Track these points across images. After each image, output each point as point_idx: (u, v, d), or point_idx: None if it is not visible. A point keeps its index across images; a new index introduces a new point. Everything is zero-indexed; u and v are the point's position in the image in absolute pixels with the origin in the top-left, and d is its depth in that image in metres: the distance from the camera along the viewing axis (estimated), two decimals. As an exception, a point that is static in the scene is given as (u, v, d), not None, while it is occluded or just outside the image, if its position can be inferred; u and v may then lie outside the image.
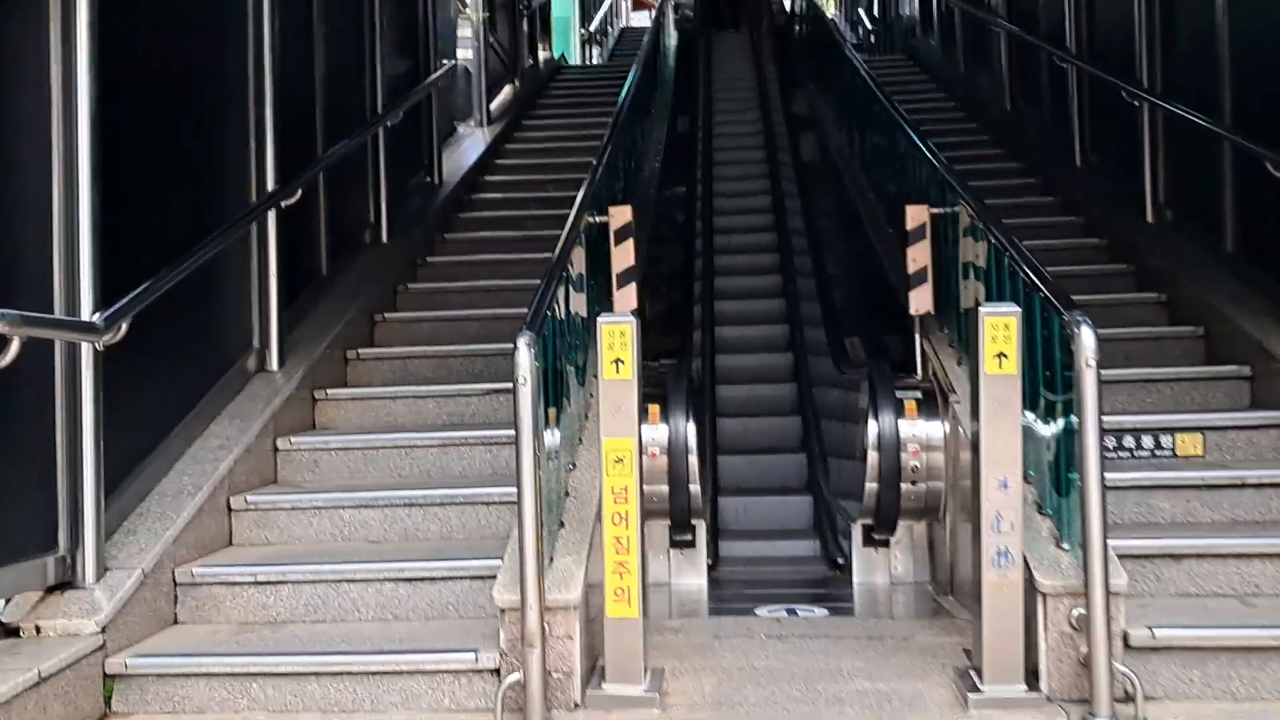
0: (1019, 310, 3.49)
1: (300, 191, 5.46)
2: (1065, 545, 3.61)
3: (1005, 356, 3.39)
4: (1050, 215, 7.79)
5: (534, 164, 9.61)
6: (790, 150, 10.55)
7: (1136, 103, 6.90)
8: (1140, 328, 5.86)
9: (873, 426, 4.84)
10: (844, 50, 9.69)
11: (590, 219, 5.17)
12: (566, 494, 4.02)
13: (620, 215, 5.20)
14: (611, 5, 22.80)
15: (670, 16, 14.08)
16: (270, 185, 5.35)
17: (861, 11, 19.60)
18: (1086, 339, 3.31)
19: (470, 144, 9.93)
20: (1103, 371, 3.31)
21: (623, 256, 5.18)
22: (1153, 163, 6.92)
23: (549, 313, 3.83)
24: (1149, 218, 6.92)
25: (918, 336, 5.24)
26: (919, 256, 5.16)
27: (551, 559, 3.58)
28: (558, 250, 4.31)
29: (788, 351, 6.90)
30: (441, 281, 7.16)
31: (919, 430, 4.80)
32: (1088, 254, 7.03)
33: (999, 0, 10.41)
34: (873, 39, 18.26)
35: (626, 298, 5.16)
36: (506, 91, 11.94)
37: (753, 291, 7.93)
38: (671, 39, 13.43)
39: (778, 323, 7.37)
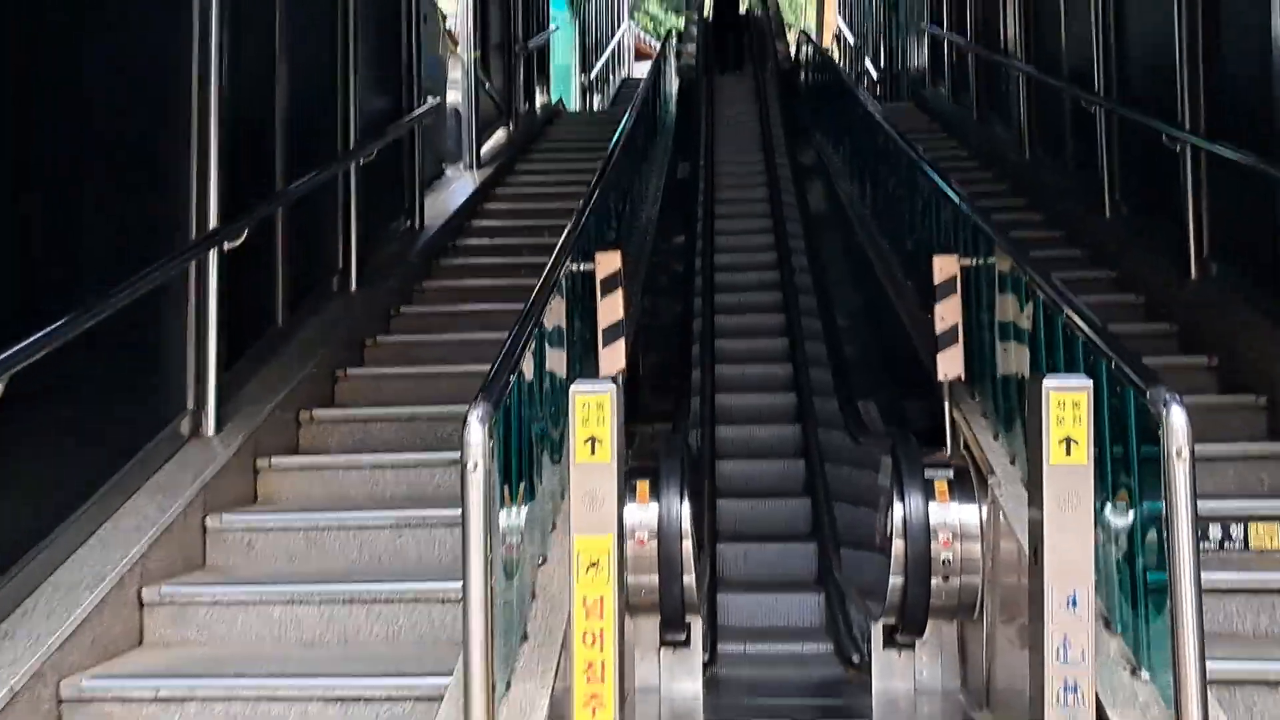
0: (1090, 384, 2.82)
1: (246, 232, 4.82)
2: (1143, 672, 2.93)
3: (1074, 443, 2.73)
4: (1078, 269, 7.13)
5: (525, 209, 9.02)
6: (796, 198, 9.96)
7: (1177, 146, 6.30)
8: (1191, 396, 5.19)
9: (898, 510, 4.15)
10: (855, 93, 9.13)
11: (574, 266, 4.54)
12: (534, 595, 3.33)
13: (607, 262, 4.57)
14: (613, 53, 22.45)
15: (672, 61, 13.58)
16: (212, 223, 4.72)
17: (868, 61, 19.19)
18: (1177, 422, 2.65)
19: (458, 187, 9.35)
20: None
21: (610, 309, 4.54)
22: (1195, 212, 6.29)
23: (516, 376, 3.17)
24: (1191, 273, 6.29)
25: (946, 404, 4.58)
26: (948, 314, 4.51)
27: (509, 683, 2.89)
28: (529, 301, 3.67)
29: (796, 423, 6.23)
30: (416, 334, 6.52)
31: (952, 516, 4.12)
32: (1123, 312, 6.37)
33: (1017, 43, 9.86)
34: (878, 88, 17.81)
35: (614, 356, 4.51)
36: (499, 135, 11.40)
37: (757, 355, 7.24)
38: (673, 84, 12.90)
39: (785, 390, 6.66)
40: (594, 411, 2.79)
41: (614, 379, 4.52)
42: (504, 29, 11.71)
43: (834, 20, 25.05)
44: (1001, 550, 3.98)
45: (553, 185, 9.63)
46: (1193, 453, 2.66)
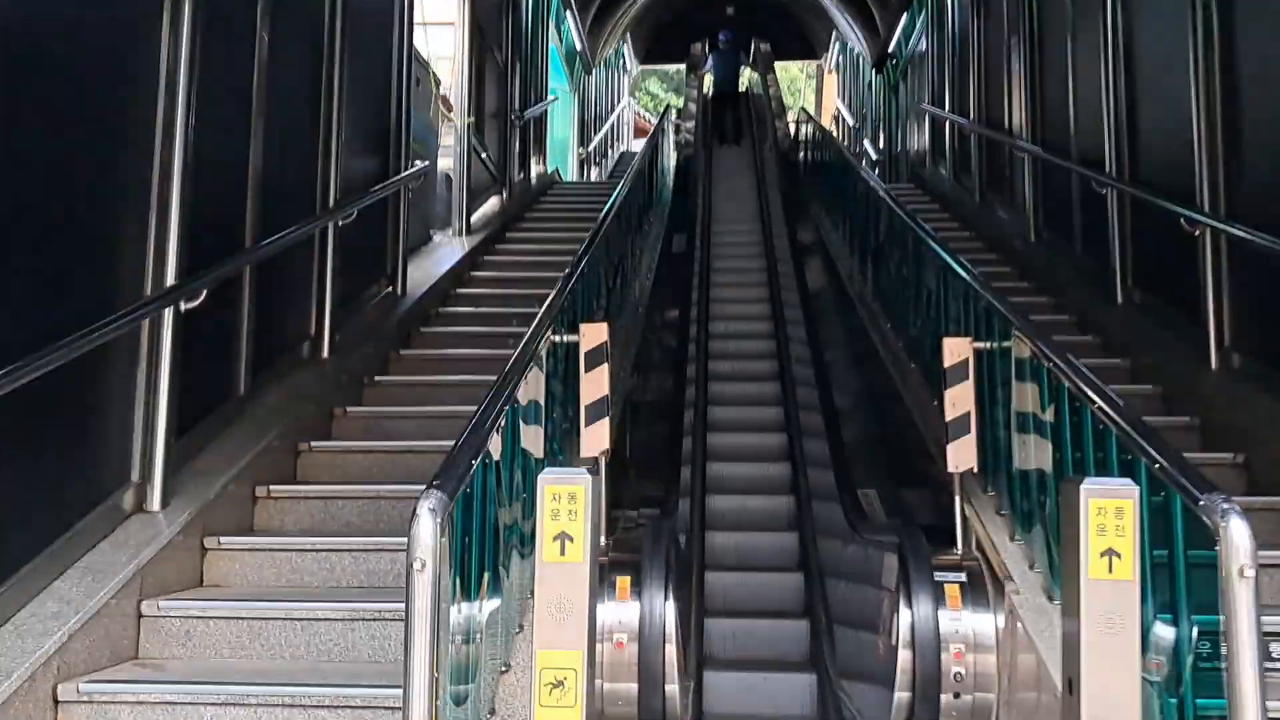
0: (1136, 490, 2.46)
1: (205, 292, 4.48)
2: (1194, 825, 2.52)
3: (1118, 557, 2.36)
4: (1090, 357, 6.78)
5: (514, 277, 8.71)
6: (795, 276, 9.66)
7: (1195, 230, 6.02)
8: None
9: (904, 617, 3.76)
10: (856, 169, 8.89)
11: (557, 338, 4.20)
12: (493, 712, 2.92)
13: (593, 334, 4.22)
14: (612, 128, 22.43)
15: (670, 134, 13.41)
16: (170, 280, 4.38)
17: (866, 143, 19.14)
18: (1238, 536, 2.29)
19: (445, 254, 9.05)
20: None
21: (594, 385, 4.18)
22: (1216, 300, 5.98)
23: (481, 459, 2.80)
24: (1212, 363, 5.96)
25: (957, 499, 4.20)
26: (960, 401, 4.16)
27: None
28: (501, 374, 3.31)
29: (792, 531, 5.82)
30: (390, 405, 6.15)
31: (965, 625, 3.73)
32: (1138, 405, 6.02)
33: (1022, 124, 9.66)
34: (877, 169, 17.71)
35: (597, 436, 4.14)
36: (493, 203, 11.17)
37: (752, 453, 6.82)
38: (670, 157, 12.72)
39: (782, 493, 6.23)
40: (565, 504, 2.42)
41: (595, 462, 4.16)
42: (500, 97, 11.54)
43: (833, 102, 25.14)
44: (1019, 665, 3.58)
45: (544, 254, 9.33)
46: (1256, 570, 2.29)
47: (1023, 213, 9.47)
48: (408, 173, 7.57)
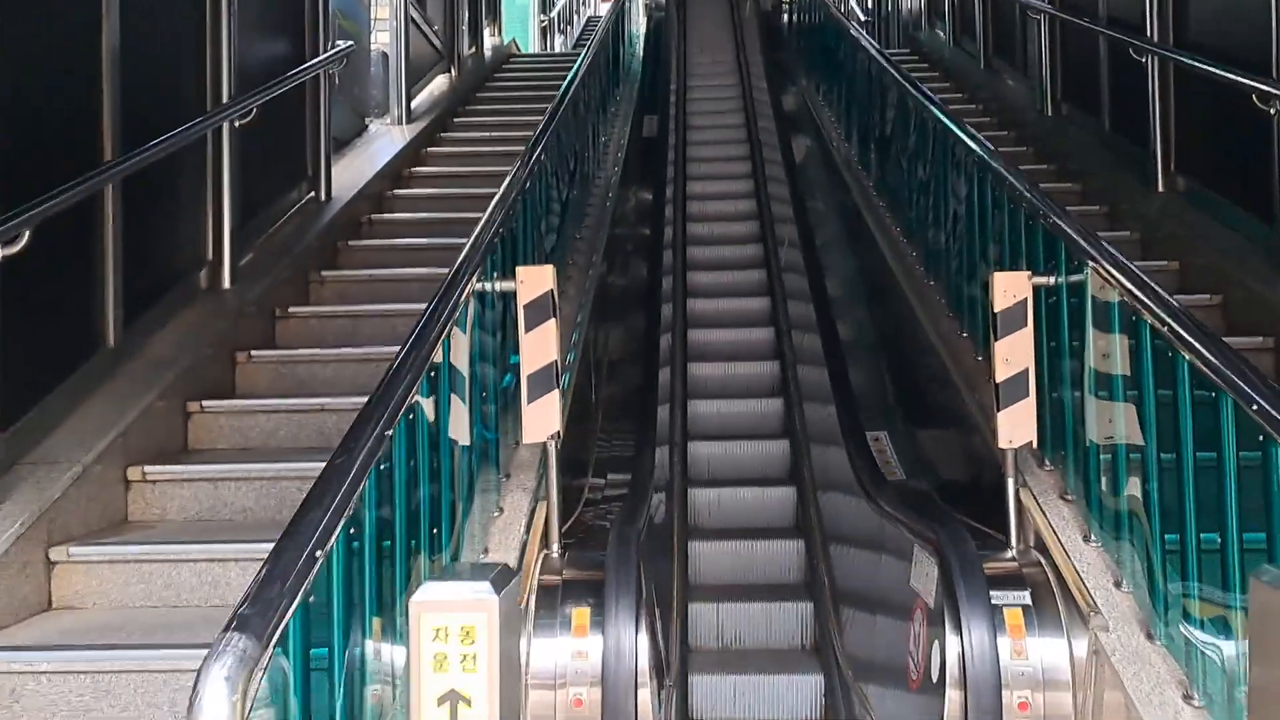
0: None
1: (28, 234, 3.42)
2: None
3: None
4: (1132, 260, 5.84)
5: (463, 173, 7.59)
6: (784, 165, 8.53)
7: (1272, 107, 4.98)
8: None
9: (951, 647, 2.87)
10: (854, 38, 7.68)
11: (486, 286, 3.19)
12: None
13: (534, 281, 3.22)
14: (578, -9, 20.76)
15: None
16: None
17: (854, 2, 17.68)
18: None
19: (381, 147, 7.90)
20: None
21: (538, 348, 3.19)
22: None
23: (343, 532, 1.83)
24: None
25: (1010, 483, 3.27)
26: (1016, 355, 3.20)
27: None
28: (391, 368, 2.32)
29: (790, 485, 4.93)
30: (307, 345, 5.14)
31: (1031, 658, 2.85)
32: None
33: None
34: (866, 31, 16.34)
35: (543, 416, 3.17)
36: (439, 82, 9.92)
37: (742, 388, 5.88)
38: (639, 23, 11.40)
39: (776, 437, 5.32)
40: (458, 644, 1.45)
41: (547, 442, 3.20)
42: (445, -40, 10.16)
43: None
44: (1106, 703, 2.73)
45: (500, 142, 8.16)
46: None
47: (1038, 85, 8.34)
48: (327, 54, 6.38)
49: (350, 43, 6.61)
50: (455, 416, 2.95)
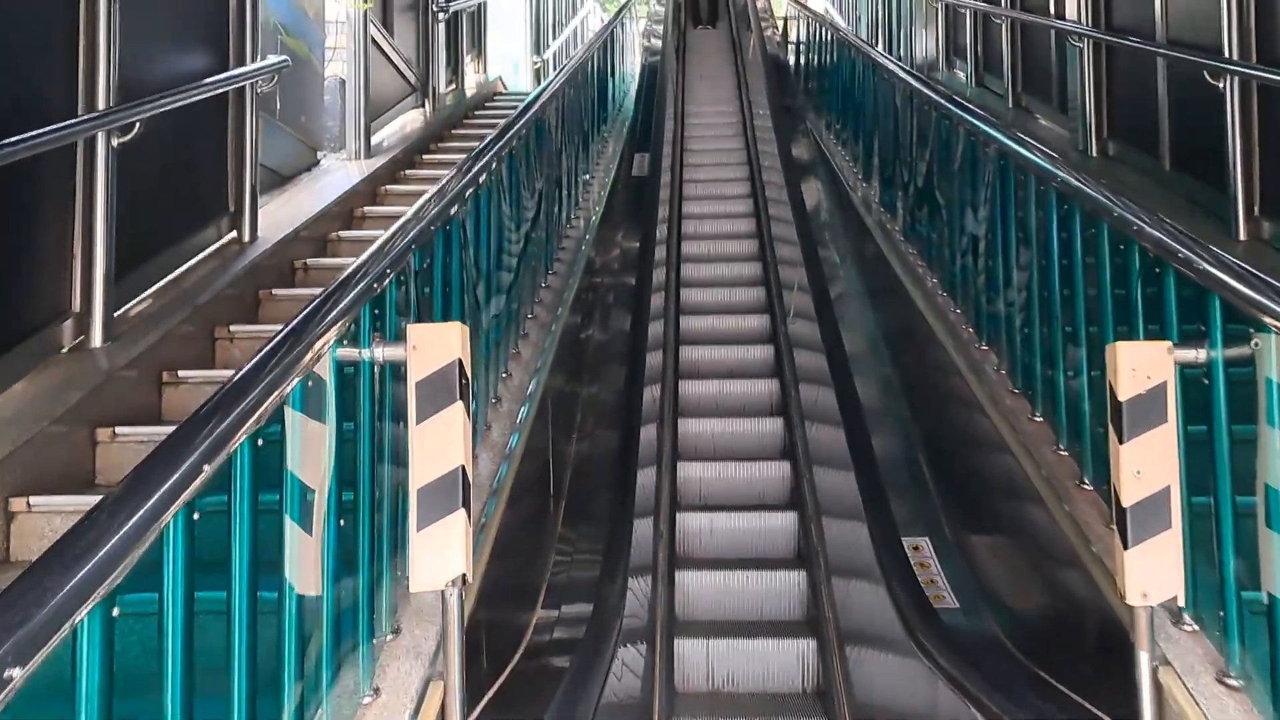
0: None
1: None
2: None
3: None
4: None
5: (425, 215, 6.56)
6: (790, 206, 7.50)
7: None
8: None
9: None
10: (891, 70, 6.65)
11: (355, 352, 2.13)
12: None
13: (432, 346, 2.16)
14: (576, 35, 19.97)
15: (632, 31, 11.14)
16: None
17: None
18: None
19: (332, 183, 6.89)
20: None
21: (434, 447, 2.12)
22: None
23: None
24: None
25: (1144, 657, 2.18)
26: (1152, 465, 2.14)
27: None
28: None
29: (810, 638, 3.80)
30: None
31: None
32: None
33: (1080, 5, 7.49)
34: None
35: (439, 553, 2.09)
36: (411, 117, 8.97)
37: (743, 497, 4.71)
38: (633, 61, 10.47)
39: (789, 567, 4.12)
40: None
41: (445, 590, 2.12)
42: (418, -17, 9.27)
43: (820, 6, 22.70)
44: None
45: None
46: None
47: (1080, 120, 7.35)
48: (251, 68, 5.38)
49: (283, 58, 5.61)
50: (296, 551, 1.88)
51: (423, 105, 9.20)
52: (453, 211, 3.01)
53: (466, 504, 2.12)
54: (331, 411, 2.04)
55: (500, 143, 3.79)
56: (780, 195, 7.13)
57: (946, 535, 3.97)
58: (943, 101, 4.69)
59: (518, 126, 4.10)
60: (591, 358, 5.12)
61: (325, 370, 2.04)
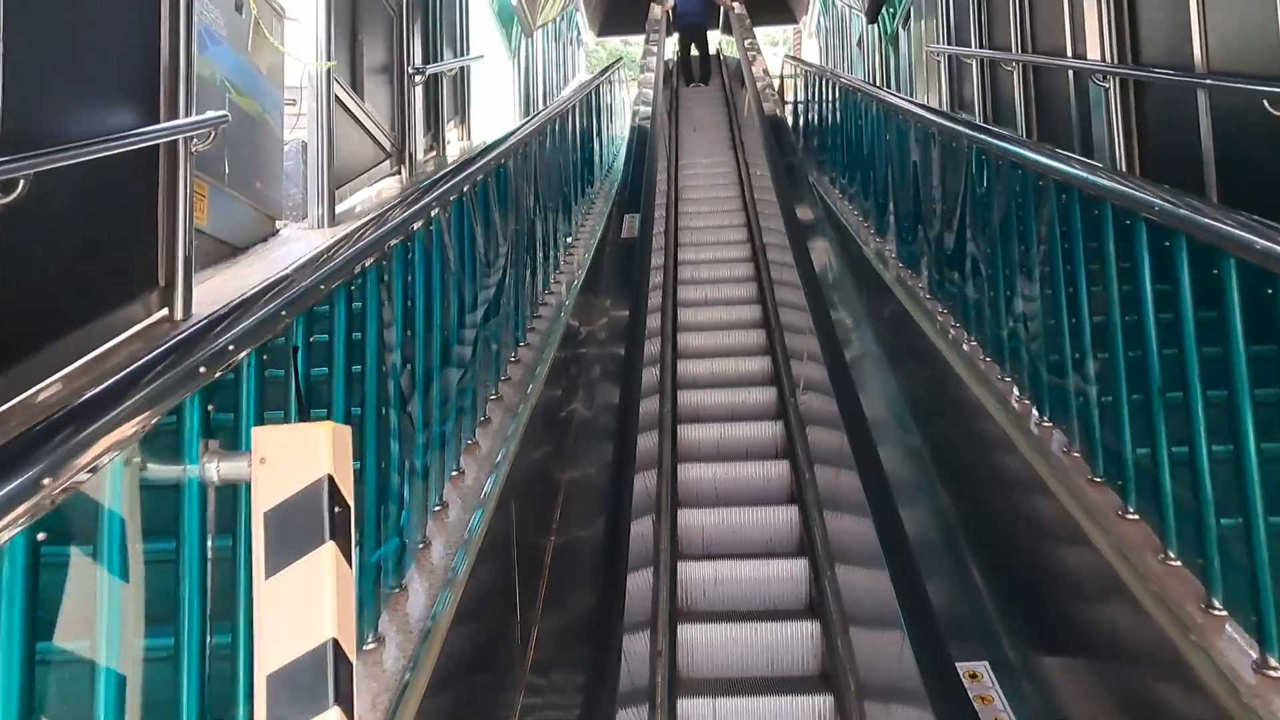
0: None
1: None
2: None
3: None
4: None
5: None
6: (798, 270, 6.81)
7: None
8: None
9: None
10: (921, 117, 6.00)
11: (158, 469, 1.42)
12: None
13: (287, 456, 1.43)
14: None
15: (619, 90, 10.61)
16: None
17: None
18: None
19: (287, 254, 6.23)
20: None
21: (290, 612, 1.38)
22: None
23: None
24: None
25: None
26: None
27: None
28: None
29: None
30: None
31: None
32: None
33: (1105, 43, 6.90)
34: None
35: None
36: (387, 185, 8.36)
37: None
38: (622, 121, 9.91)
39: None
40: None
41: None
42: (391, 45, 8.71)
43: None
44: None
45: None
46: None
47: (1106, 164, 6.71)
48: (179, 122, 4.75)
49: (221, 114, 4.98)
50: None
51: (399, 171, 8.61)
52: (364, 265, 2.32)
53: (344, 700, 1.38)
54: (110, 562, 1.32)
55: (447, 185, 3.12)
56: (783, 257, 6.45)
57: (1010, 656, 3.20)
58: (980, 135, 4.03)
59: (471, 170, 3.43)
60: (570, 448, 4.39)
61: (108, 495, 1.33)
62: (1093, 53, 7.16)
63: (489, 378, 3.39)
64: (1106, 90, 6.79)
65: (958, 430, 3.99)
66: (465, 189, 3.28)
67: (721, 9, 15.33)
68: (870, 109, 6.65)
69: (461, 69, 10.50)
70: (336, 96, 7.10)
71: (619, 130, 10.15)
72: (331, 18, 7.02)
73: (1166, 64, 6.14)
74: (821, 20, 21.24)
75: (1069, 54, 7.54)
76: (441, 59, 9.76)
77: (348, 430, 1.49)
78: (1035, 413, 3.30)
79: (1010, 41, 8.90)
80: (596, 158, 7.85)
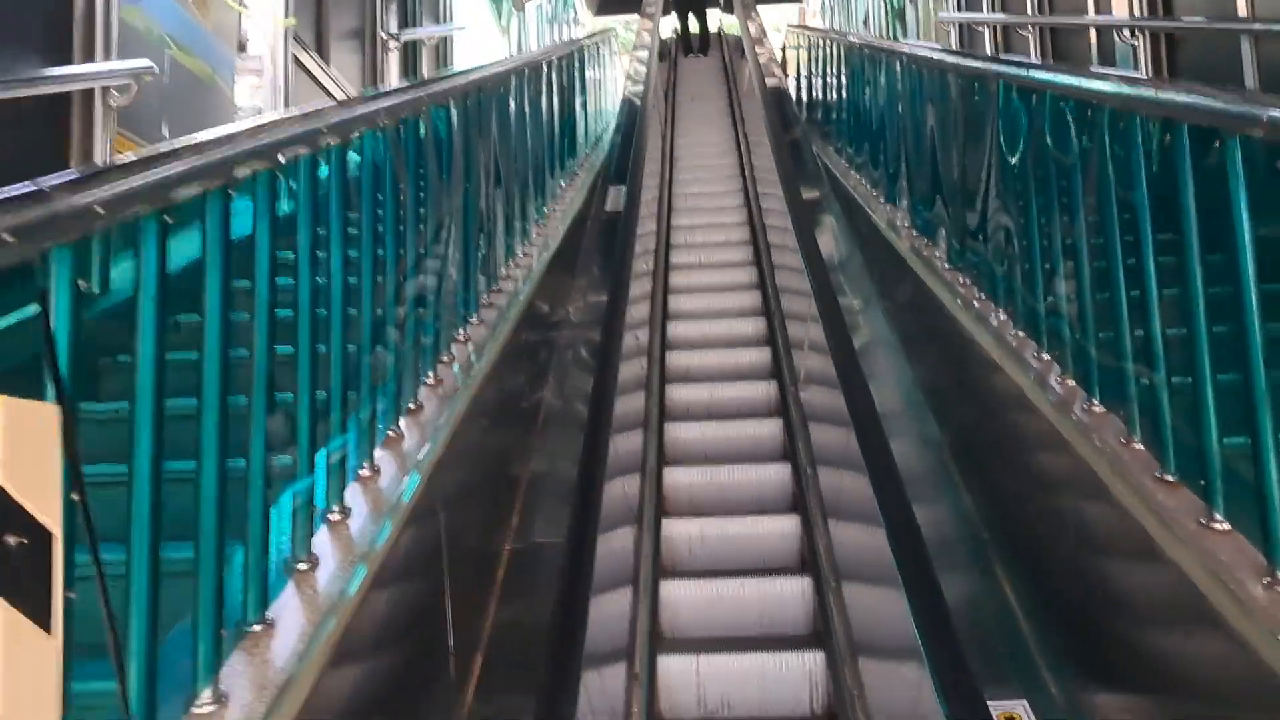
0: None
1: None
2: None
3: None
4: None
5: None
6: (801, 254, 6.21)
7: None
8: None
9: None
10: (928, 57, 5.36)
11: None
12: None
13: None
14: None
15: (610, 57, 10.01)
16: None
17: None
18: None
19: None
20: None
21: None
22: None
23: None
24: None
25: None
26: None
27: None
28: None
29: None
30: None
31: None
32: None
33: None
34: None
35: None
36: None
37: None
38: (613, 90, 9.32)
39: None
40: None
41: None
42: (364, 7, 8.14)
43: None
44: None
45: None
46: None
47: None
48: (88, 68, 4.17)
49: (144, 63, 4.40)
50: None
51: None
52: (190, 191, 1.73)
53: None
54: None
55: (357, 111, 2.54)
56: (784, 238, 5.85)
57: (1054, 691, 2.62)
58: (1013, 70, 3.41)
59: (394, 104, 2.85)
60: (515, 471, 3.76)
61: None
62: (1119, 9, 6.57)
63: (413, 371, 2.81)
64: (1135, 48, 6.19)
65: (986, 418, 3.40)
66: (383, 122, 2.70)
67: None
68: (881, 65, 6.05)
69: (444, 39, 9.90)
70: (296, 58, 6.52)
71: (609, 105, 9.55)
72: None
73: (1206, 13, 5.55)
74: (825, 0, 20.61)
75: (1092, 12, 6.95)
76: (421, 26, 9.17)
77: (44, 410, 0.93)
78: (1085, 396, 2.71)
79: (1025, 5, 8.32)
80: (581, 126, 7.26)
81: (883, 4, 14.59)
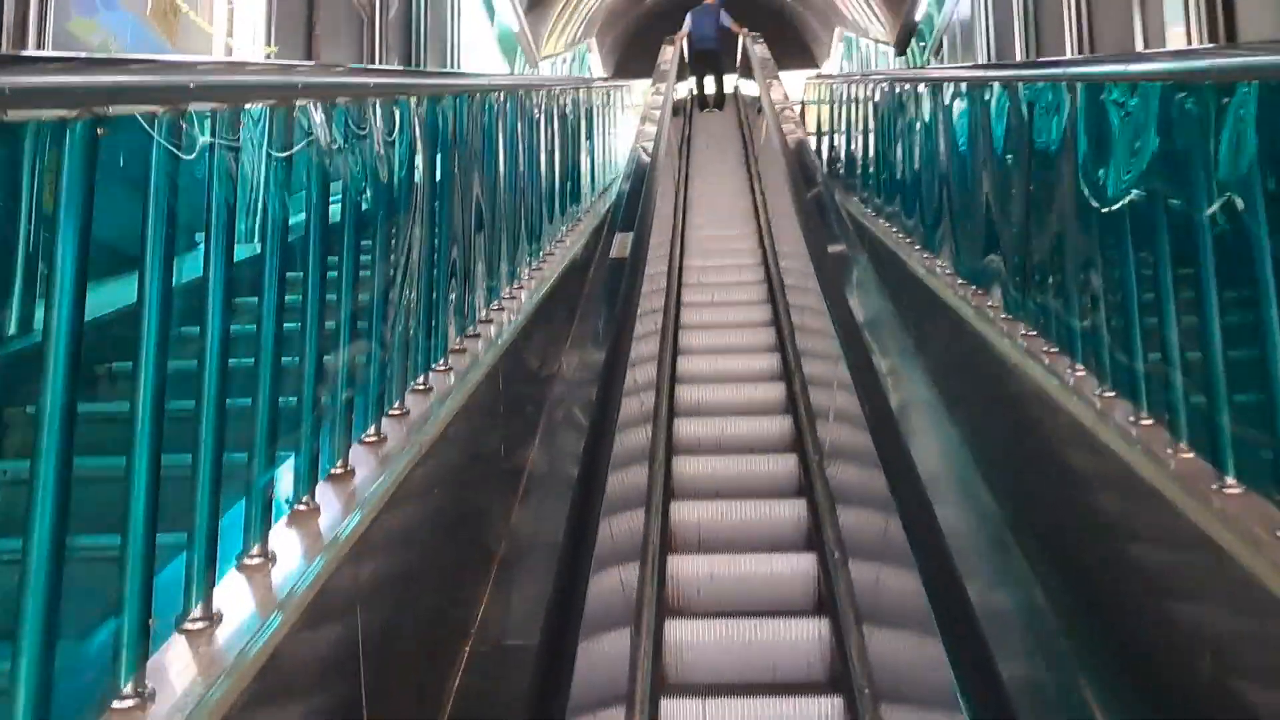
0: None
1: None
2: None
3: None
4: None
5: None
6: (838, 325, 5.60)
7: None
8: None
9: None
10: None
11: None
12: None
13: None
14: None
15: (619, 105, 9.56)
16: None
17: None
18: None
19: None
20: None
21: None
22: None
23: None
24: None
25: None
26: None
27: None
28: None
29: None
30: None
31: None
32: None
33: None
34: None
35: None
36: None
37: None
38: (621, 137, 8.84)
39: None
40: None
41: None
42: (361, 50, 7.71)
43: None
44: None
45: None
46: None
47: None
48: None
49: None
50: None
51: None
52: None
53: None
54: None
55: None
56: (807, 298, 5.25)
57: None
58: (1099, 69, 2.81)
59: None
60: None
61: None
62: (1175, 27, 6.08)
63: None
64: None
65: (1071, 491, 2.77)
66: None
67: (740, 42, 14.36)
68: (918, 97, 5.52)
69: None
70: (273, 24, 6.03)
71: (617, 159, 9.08)
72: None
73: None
74: (844, 64, 20.33)
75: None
76: (424, 69, 8.73)
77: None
78: (1216, 476, 2.08)
79: (1063, 55, 7.88)
80: (585, 171, 6.73)
81: (905, 64, 14.21)
